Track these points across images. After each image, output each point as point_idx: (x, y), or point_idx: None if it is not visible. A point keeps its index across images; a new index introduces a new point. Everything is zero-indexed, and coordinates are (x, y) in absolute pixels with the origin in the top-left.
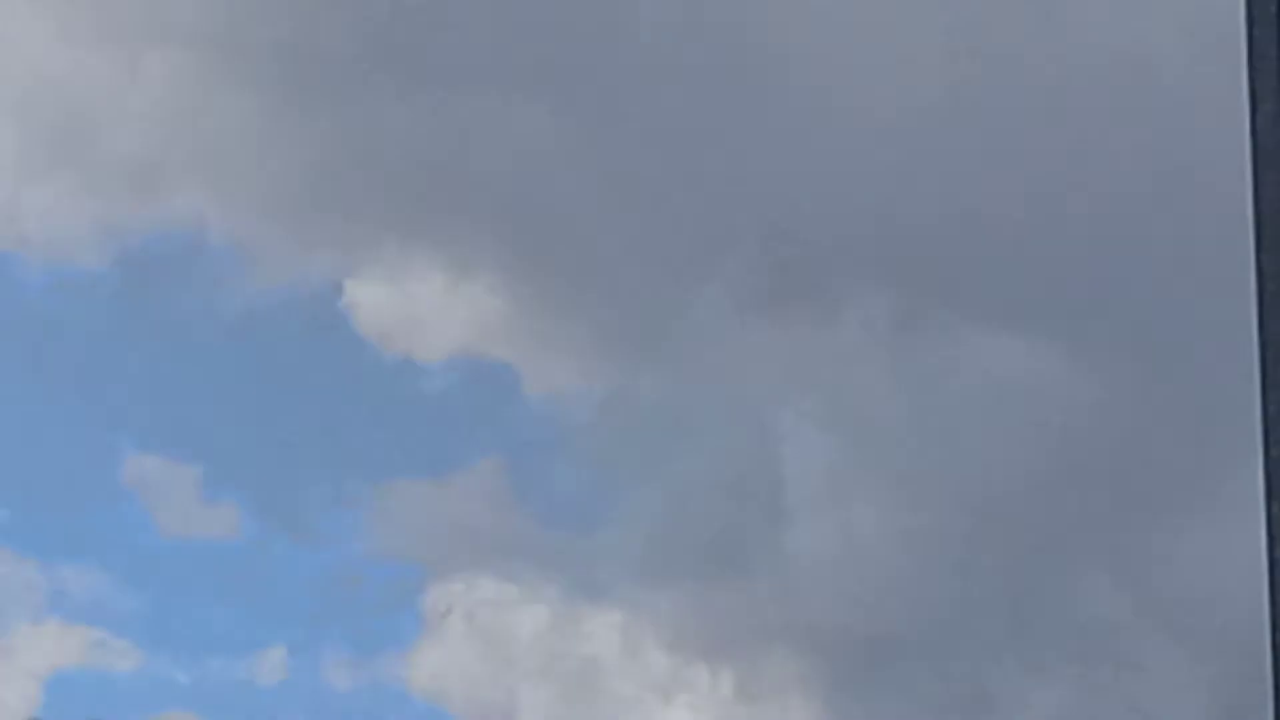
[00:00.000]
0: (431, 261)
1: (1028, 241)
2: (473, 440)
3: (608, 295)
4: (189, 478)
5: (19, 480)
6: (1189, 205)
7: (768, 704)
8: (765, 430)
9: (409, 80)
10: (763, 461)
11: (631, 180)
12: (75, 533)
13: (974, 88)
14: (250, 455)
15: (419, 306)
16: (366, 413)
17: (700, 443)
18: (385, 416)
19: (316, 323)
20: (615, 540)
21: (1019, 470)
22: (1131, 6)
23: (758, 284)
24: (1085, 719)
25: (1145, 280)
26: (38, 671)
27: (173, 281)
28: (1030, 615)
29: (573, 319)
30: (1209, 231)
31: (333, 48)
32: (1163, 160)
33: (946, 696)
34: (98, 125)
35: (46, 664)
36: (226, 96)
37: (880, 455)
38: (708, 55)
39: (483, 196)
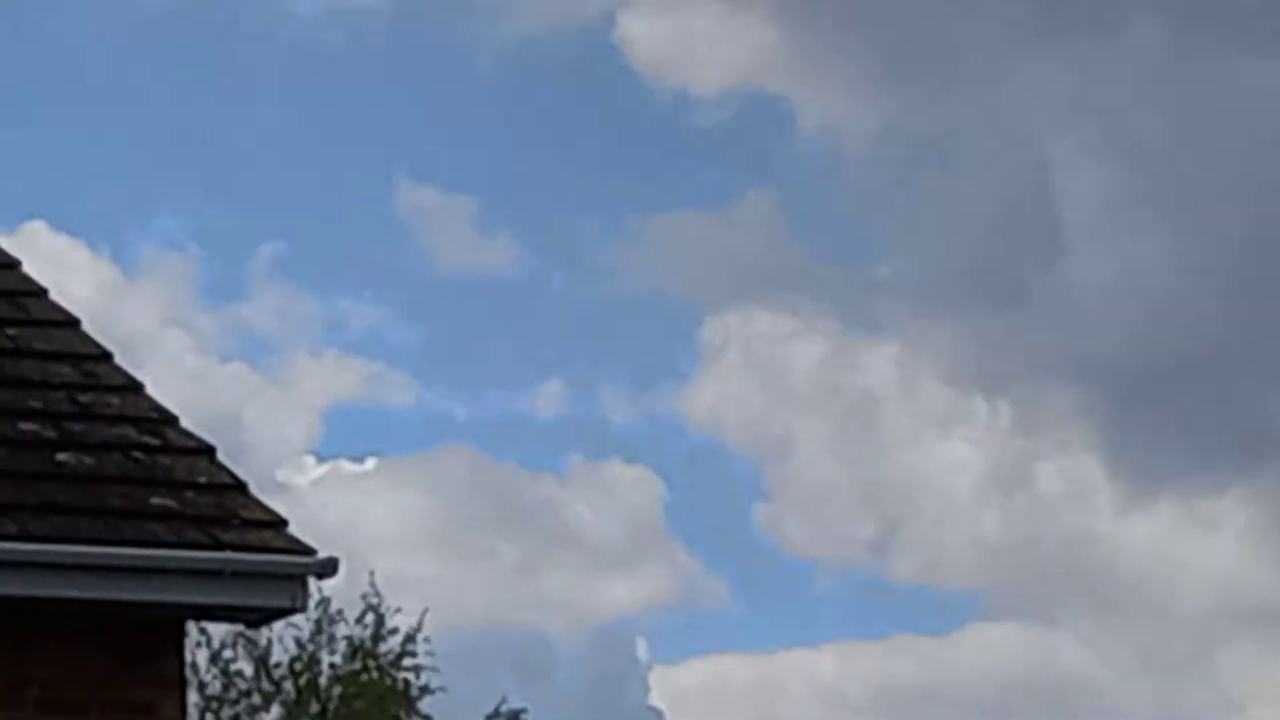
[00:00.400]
0: None
1: None
2: (747, 173)
3: (883, 27)
4: (465, 209)
5: (296, 213)
6: None
7: (1046, 436)
8: (1041, 161)
9: None
10: (1039, 192)
11: None
12: (352, 265)
13: None
14: (526, 188)
15: (693, 39)
16: (640, 146)
17: (976, 174)
18: (659, 149)
19: (590, 55)
20: (892, 273)
21: None
22: None
23: (1032, 13)
24: None
25: None
26: (316, 404)
27: (447, 13)
28: None
29: (848, 51)
30: None
31: None
32: None
33: (1227, 428)
34: None
35: (325, 397)
36: None
37: (1157, 184)
38: None
39: None
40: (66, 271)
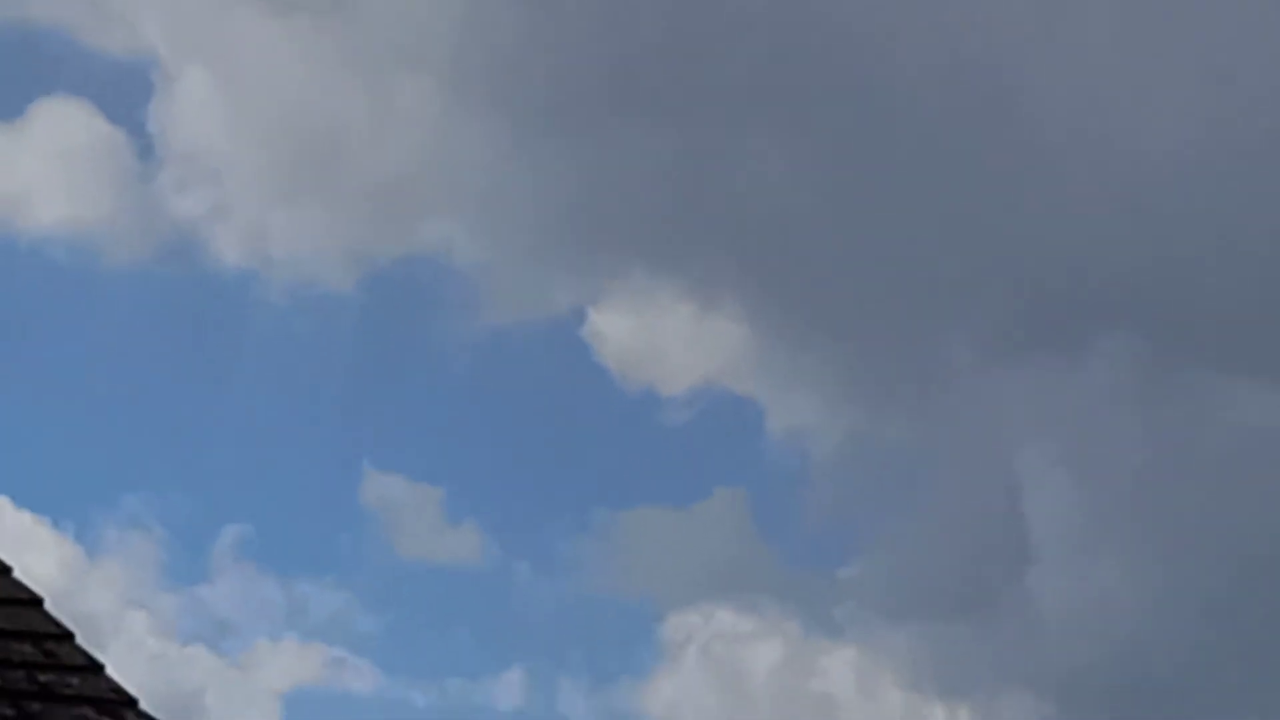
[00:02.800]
0: (677, 292)
1: None
2: (715, 471)
3: (854, 333)
4: (431, 499)
5: (262, 497)
6: None
7: None
8: (1010, 474)
9: (661, 109)
10: (1007, 505)
11: (882, 218)
12: (316, 550)
13: (1234, 129)
14: (492, 479)
15: (663, 337)
16: (609, 441)
17: (944, 484)
18: (627, 445)
19: (560, 350)
20: (856, 577)
21: (1272, 521)
22: None
23: (1006, 326)
24: None
25: None
26: (277, 688)
27: (417, 306)
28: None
29: (818, 355)
30: None
31: (584, 76)
32: None
33: None
34: (346, 150)
35: (285, 681)
36: (475, 123)
37: (1127, 502)
38: (961, 96)
39: (732, 228)
40: (29, 549)
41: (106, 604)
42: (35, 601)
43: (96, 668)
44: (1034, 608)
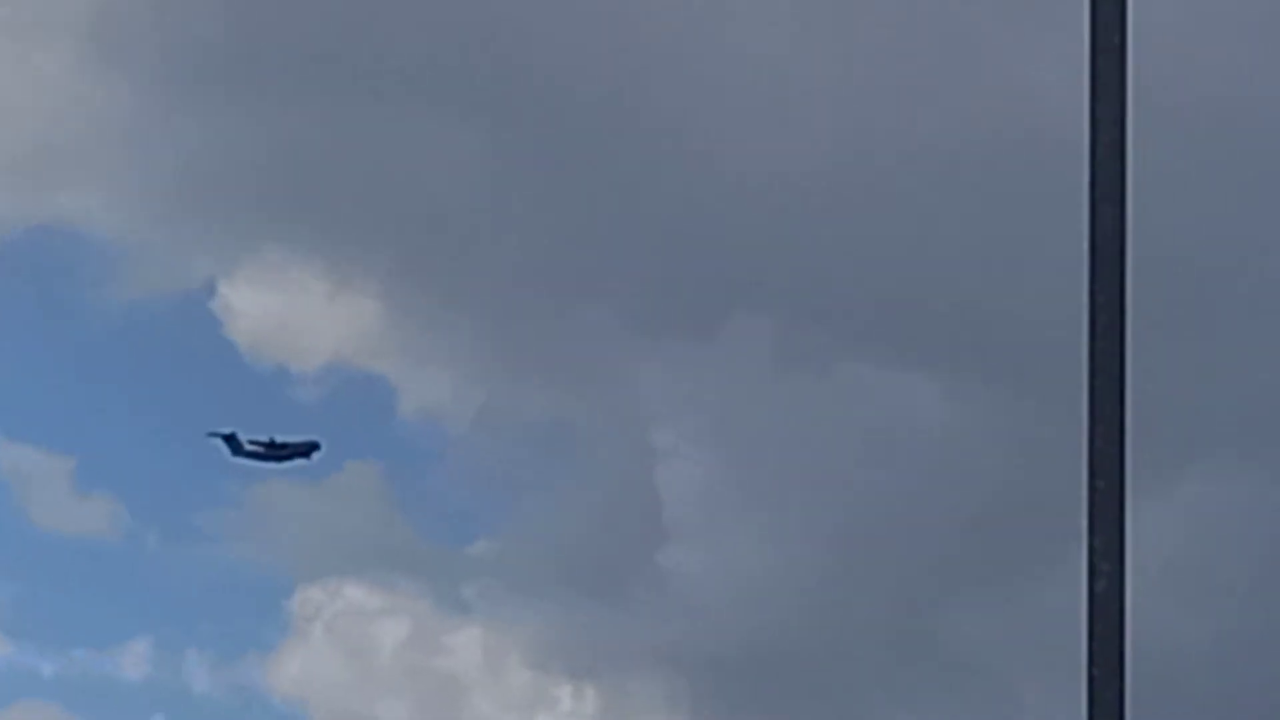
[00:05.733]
0: (312, 269)
1: (905, 279)
2: (347, 446)
3: (491, 310)
4: (62, 469)
5: None
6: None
7: None
8: (645, 449)
9: (302, 85)
10: (641, 480)
11: (518, 196)
12: None
13: (862, 138)
14: (125, 451)
15: (296, 314)
16: (241, 414)
17: (579, 460)
18: (258, 420)
19: (191, 324)
20: (487, 553)
21: (894, 499)
22: None
23: (641, 304)
24: None
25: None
26: None
27: (51, 276)
28: (903, 644)
29: (454, 331)
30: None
31: (226, 52)
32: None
33: None
34: None
35: None
36: (116, 94)
37: (758, 478)
38: (607, 91)
39: (368, 204)
40: None
41: None
42: None
43: None
44: (668, 585)
